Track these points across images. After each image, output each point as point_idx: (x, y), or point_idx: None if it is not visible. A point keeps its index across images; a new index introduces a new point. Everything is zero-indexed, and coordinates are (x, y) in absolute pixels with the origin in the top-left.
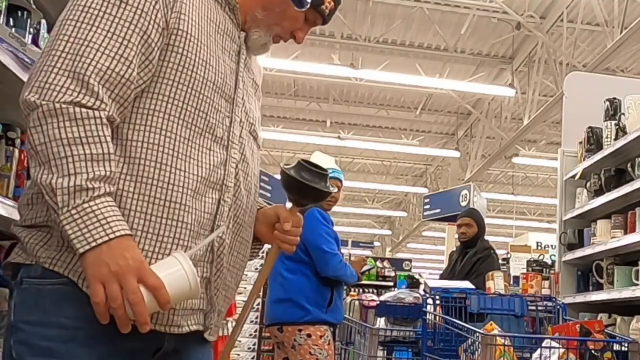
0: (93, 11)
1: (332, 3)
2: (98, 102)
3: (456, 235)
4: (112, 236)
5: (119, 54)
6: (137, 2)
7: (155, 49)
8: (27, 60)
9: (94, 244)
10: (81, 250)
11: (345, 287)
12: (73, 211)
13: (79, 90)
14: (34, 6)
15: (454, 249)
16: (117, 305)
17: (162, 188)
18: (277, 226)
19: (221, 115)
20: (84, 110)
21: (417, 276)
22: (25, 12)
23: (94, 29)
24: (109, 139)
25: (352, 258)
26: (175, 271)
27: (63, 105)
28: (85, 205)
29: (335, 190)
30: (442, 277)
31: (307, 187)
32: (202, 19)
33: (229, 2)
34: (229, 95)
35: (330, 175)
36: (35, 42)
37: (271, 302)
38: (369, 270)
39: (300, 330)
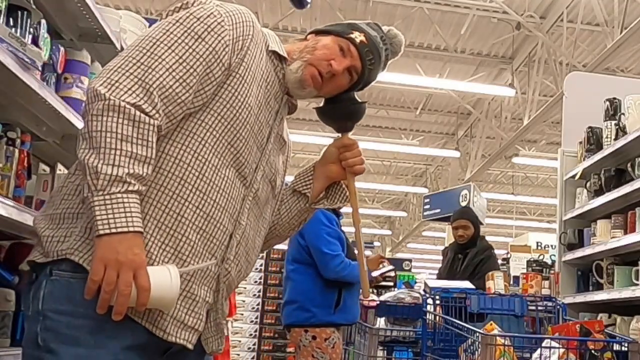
0: (174, 37)
1: (363, 36)
2: (154, 112)
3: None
4: (131, 229)
5: (182, 78)
6: (212, 41)
7: (214, 82)
8: (27, 60)
9: (114, 230)
10: (101, 232)
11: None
12: (107, 196)
13: (142, 96)
14: (34, 6)
15: (447, 245)
16: (108, 290)
17: (179, 202)
18: (341, 156)
19: (251, 158)
20: (142, 115)
21: (413, 277)
22: (25, 12)
23: (169, 51)
24: (154, 145)
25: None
26: (164, 282)
27: (127, 106)
28: (119, 195)
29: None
30: (439, 276)
31: (346, 105)
32: (258, 72)
33: (283, 67)
34: (260, 144)
35: None
36: (35, 42)
37: (283, 303)
38: (387, 272)
39: (306, 332)
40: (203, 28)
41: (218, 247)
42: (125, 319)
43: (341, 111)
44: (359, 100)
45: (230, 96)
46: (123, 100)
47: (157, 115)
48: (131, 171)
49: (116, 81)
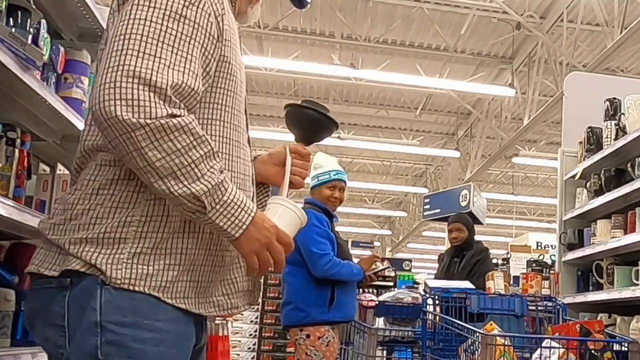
0: (156, 25)
1: None
2: (182, 111)
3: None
4: (252, 215)
5: (187, 68)
6: (194, 16)
7: (212, 60)
8: (27, 60)
9: (244, 227)
10: (236, 236)
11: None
12: (218, 207)
13: (165, 104)
14: (34, 6)
15: (443, 251)
16: (267, 267)
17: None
18: (293, 160)
19: (243, 107)
20: (180, 119)
21: (411, 277)
22: (25, 12)
23: (160, 44)
24: (206, 134)
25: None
26: (291, 215)
27: (166, 120)
28: (225, 197)
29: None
30: (436, 279)
31: (322, 119)
32: (232, 24)
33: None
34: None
35: (336, 177)
36: (35, 42)
37: (282, 305)
38: (382, 270)
39: (301, 331)
40: (180, 3)
41: None
42: (183, 328)
43: (312, 120)
44: (333, 118)
45: (228, 66)
46: (156, 118)
47: (185, 112)
48: (214, 171)
49: (131, 98)
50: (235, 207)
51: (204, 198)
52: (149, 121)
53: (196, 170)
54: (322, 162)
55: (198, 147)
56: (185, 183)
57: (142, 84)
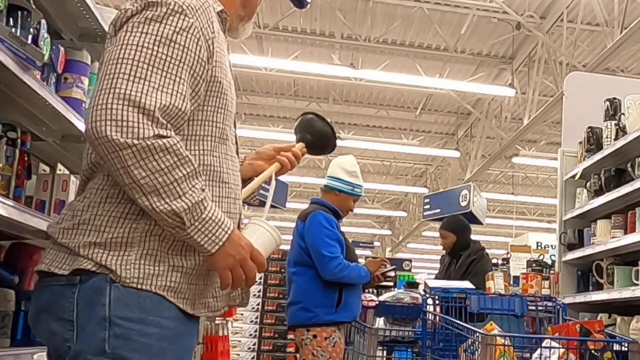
0: (147, 50)
1: None
2: (169, 132)
3: None
4: (229, 232)
5: (175, 90)
6: (184, 41)
7: (201, 81)
8: (27, 60)
9: (220, 243)
10: (213, 251)
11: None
12: (196, 223)
13: (152, 125)
14: (34, 6)
15: (444, 252)
16: (240, 283)
17: (214, 202)
18: (282, 153)
19: (232, 124)
20: (166, 140)
21: (414, 278)
22: (25, 12)
23: (150, 68)
24: (190, 155)
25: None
26: (267, 237)
27: (152, 141)
28: (204, 215)
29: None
30: (436, 279)
31: (332, 138)
32: (222, 44)
33: (224, 18)
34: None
35: (362, 193)
36: (35, 42)
37: (287, 304)
38: (388, 271)
39: (308, 331)
40: (171, 30)
41: (237, 218)
42: (182, 325)
43: (329, 135)
44: (337, 137)
45: (219, 86)
46: (142, 139)
47: (172, 133)
48: (195, 190)
49: (121, 119)
50: (213, 224)
51: (184, 215)
52: (136, 141)
53: (178, 188)
54: (358, 170)
55: (181, 167)
56: (167, 200)
57: (132, 105)
